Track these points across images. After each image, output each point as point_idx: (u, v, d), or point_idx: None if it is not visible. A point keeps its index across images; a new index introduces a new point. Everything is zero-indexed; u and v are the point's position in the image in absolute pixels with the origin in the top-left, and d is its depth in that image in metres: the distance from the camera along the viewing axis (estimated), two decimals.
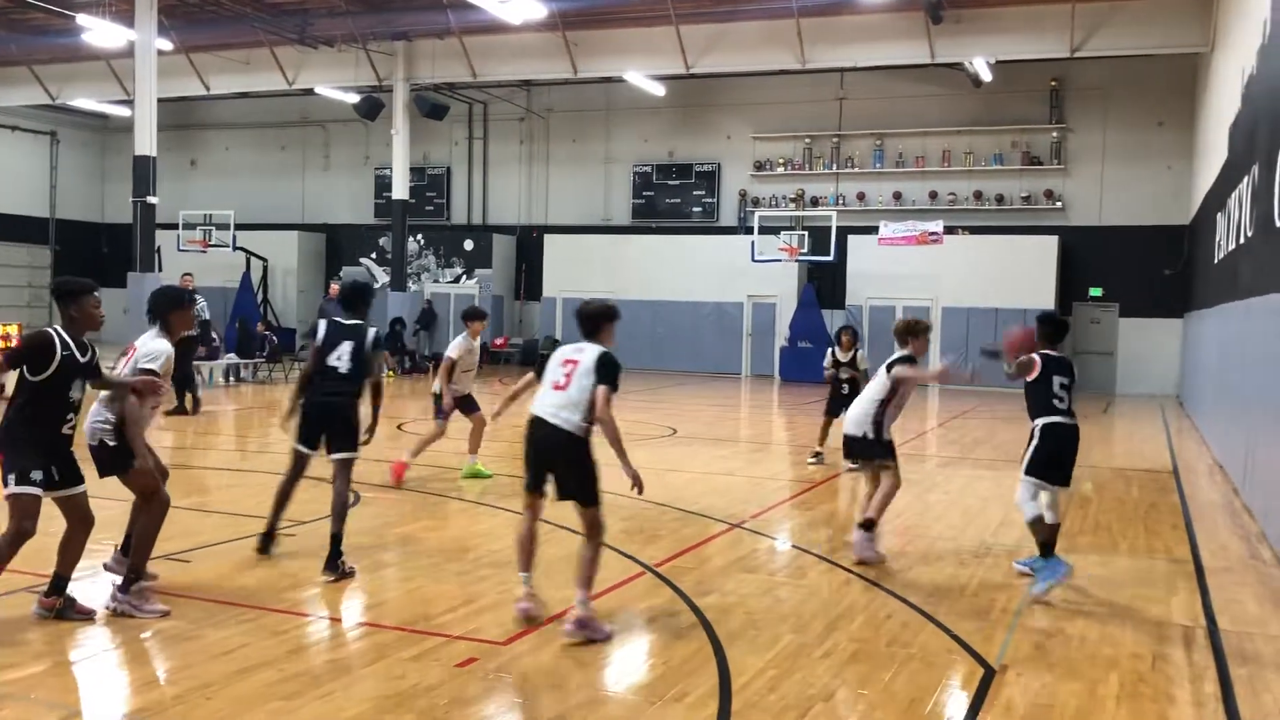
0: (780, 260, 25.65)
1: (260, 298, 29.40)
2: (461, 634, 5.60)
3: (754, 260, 25.36)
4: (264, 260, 29.96)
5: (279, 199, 32.62)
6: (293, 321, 29.91)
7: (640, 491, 5.87)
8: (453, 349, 10.52)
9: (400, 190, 27.06)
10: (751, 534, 8.49)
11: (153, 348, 6.03)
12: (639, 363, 27.71)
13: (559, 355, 6.00)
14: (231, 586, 6.32)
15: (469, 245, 29.86)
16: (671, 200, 29.03)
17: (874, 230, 25.04)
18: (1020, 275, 24.53)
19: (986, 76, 23.81)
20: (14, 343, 16.78)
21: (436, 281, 29.98)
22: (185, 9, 23.37)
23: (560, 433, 5.77)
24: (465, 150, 31.21)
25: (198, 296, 15.99)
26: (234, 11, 23.57)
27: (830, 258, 25.17)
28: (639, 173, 29.34)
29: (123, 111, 29.67)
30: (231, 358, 21.26)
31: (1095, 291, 25.55)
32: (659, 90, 26.46)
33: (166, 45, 22.11)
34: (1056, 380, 6.92)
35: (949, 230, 24.62)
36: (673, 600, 6.40)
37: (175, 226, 27.85)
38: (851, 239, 25.89)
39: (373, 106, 26.58)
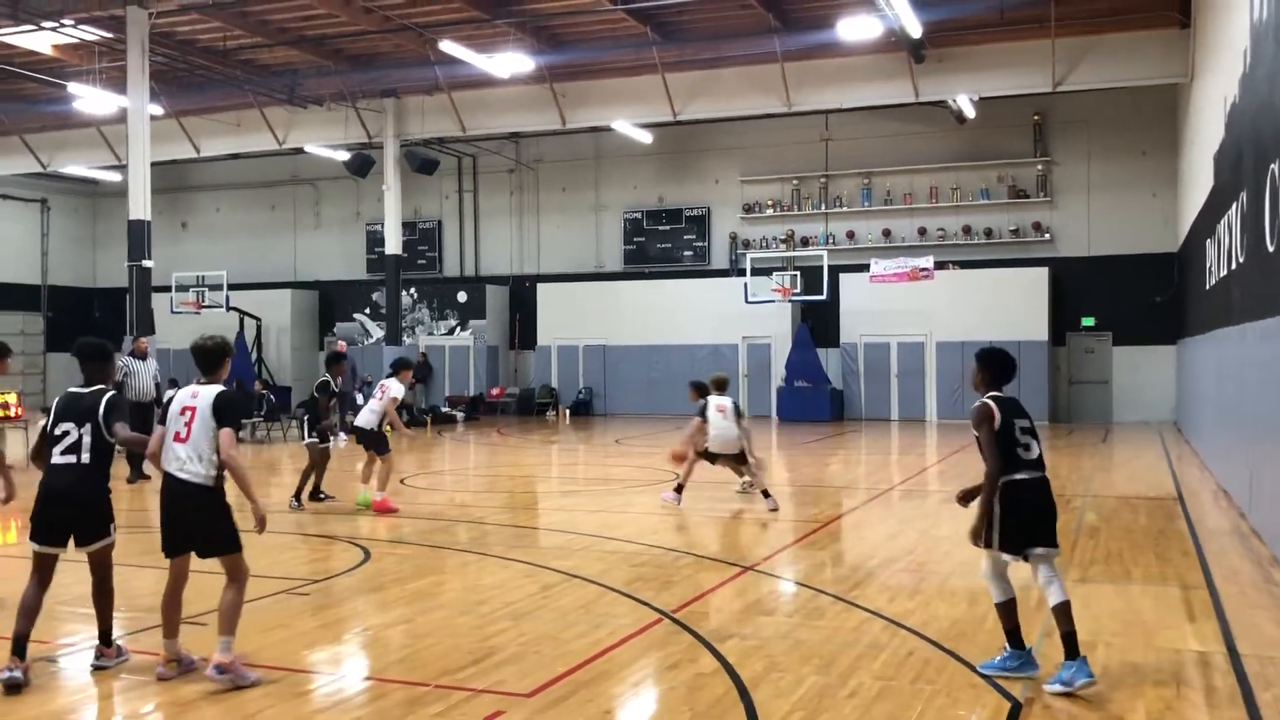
0: (773, 301, 25.80)
1: (255, 357, 29.39)
2: (485, 687, 5.57)
3: (747, 302, 25.50)
4: (257, 320, 30.01)
5: (271, 258, 32.76)
6: (288, 380, 29.90)
7: (261, 531, 5.84)
8: (398, 390, 12.27)
9: (393, 245, 27.19)
10: (765, 576, 8.48)
11: None
12: (636, 408, 27.77)
13: (177, 402, 5.90)
14: (249, 648, 6.28)
15: (462, 297, 29.97)
16: (663, 245, 29.22)
17: (865, 268, 25.24)
18: (1012, 307, 24.71)
19: (970, 113, 24.12)
20: (14, 411, 16.75)
21: (431, 334, 30.04)
22: (175, 74, 23.62)
23: (189, 486, 5.74)
24: (456, 203, 31.41)
25: (152, 361, 15.95)
26: (224, 74, 23.82)
27: (823, 297, 25.33)
28: (629, 219, 29.55)
29: (113, 176, 29.85)
30: None
31: (1088, 321, 25.72)
32: (647, 138, 26.74)
33: (157, 110, 22.32)
34: (1018, 425, 5.72)
35: (939, 265, 24.83)
36: (693, 646, 6.37)
37: (168, 289, 27.90)
38: (843, 277, 26.08)
39: (363, 163, 26.80)
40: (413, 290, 30.06)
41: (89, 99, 22.37)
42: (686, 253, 29.05)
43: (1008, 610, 5.72)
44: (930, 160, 26.75)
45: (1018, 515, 5.60)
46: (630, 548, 9.54)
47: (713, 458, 12.36)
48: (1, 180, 31.42)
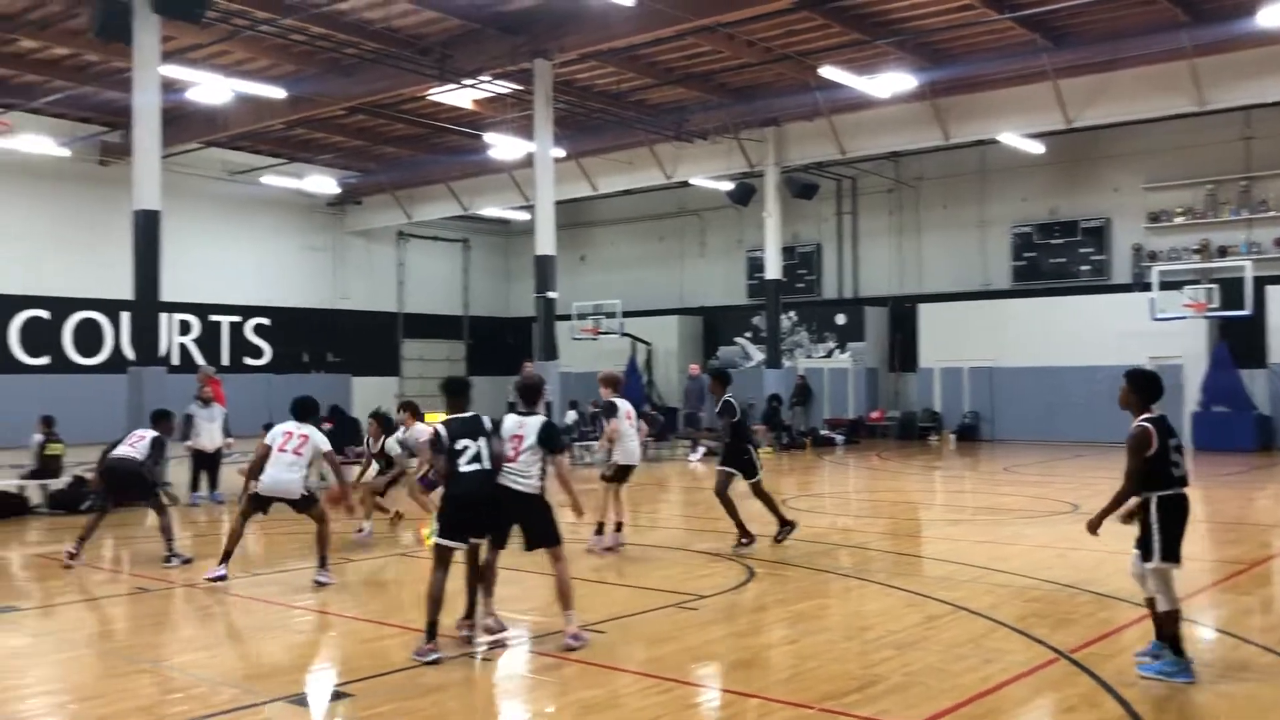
0: (1185, 317, 23.51)
1: (645, 380, 30.93)
2: (870, 715, 5.50)
3: (1155, 319, 23.42)
4: (648, 344, 31.60)
5: (659, 286, 34.40)
6: (675, 401, 31.20)
7: (580, 516, 7.75)
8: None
9: (773, 270, 27.65)
10: None
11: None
12: (1027, 434, 26.30)
13: (507, 429, 7.19)
14: (645, 657, 6.62)
15: (841, 319, 29.89)
16: (1056, 260, 27.57)
17: None
18: None
19: None
20: None
21: (809, 357, 30.19)
22: (575, 118, 25.50)
23: (521, 495, 7.05)
24: (834, 226, 31.44)
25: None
26: (618, 116, 25.40)
27: (1245, 312, 22.76)
28: (1018, 234, 28.18)
29: (522, 216, 32.63)
30: None
31: None
32: (1037, 148, 25.39)
33: (560, 153, 24.14)
34: (1171, 444, 6.17)
35: None
36: (1093, 690, 5.94)
37: (569, 317, 30.06)
38: (1270, 290, 23.32)
39: (745, 192, 27.51)
40: (792, 313, 30.39)
41: (501, 147, 24.65)
42: (1083, 267, 27.20)
43: (1172, 619, 6.14)
44: None
45: (1172, 527, 6.10)
46: (1021, 581, 9.05)
47: (623, 473, 10.89)
48: (432, 224, 35.31)
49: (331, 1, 18.25)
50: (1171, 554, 6.11)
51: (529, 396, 7.52)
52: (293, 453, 9.27)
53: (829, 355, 29.90)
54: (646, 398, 28.46)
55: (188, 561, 10.33)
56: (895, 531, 13.04)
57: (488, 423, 7.14)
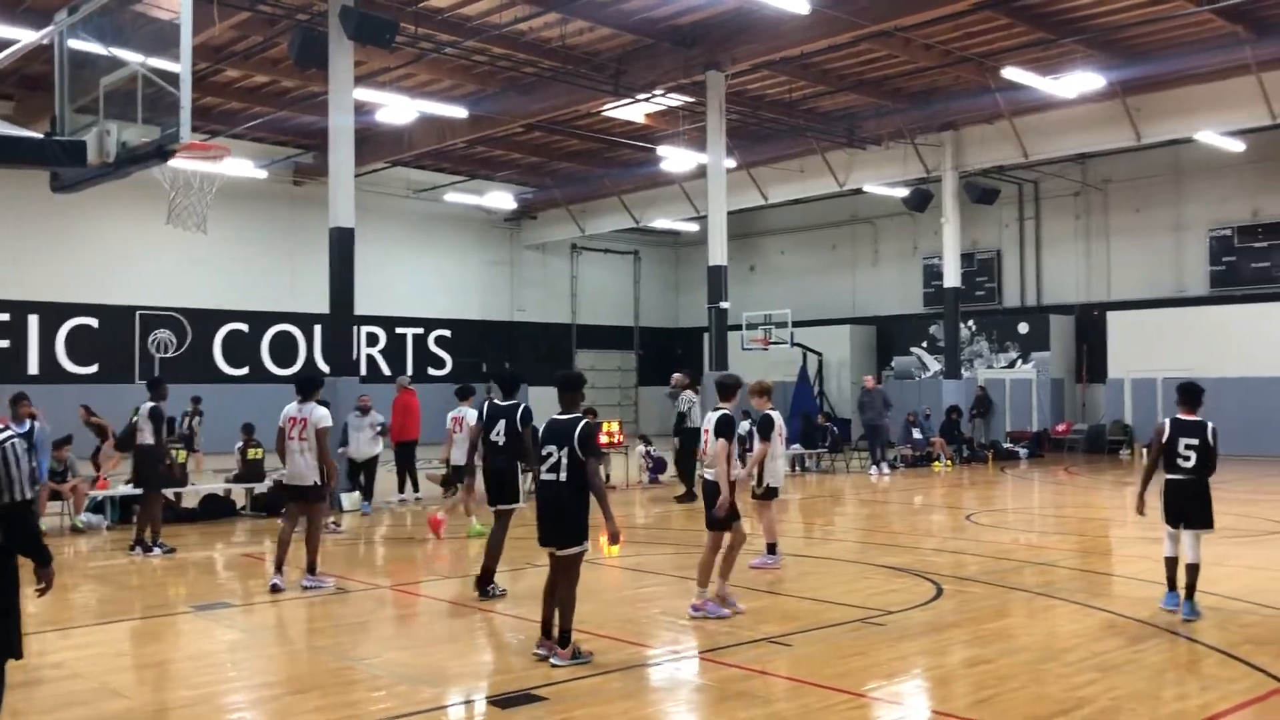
0: None
1: (817, 390, 30.56)
2: None
3: None
4: (819, 354, 31.22)
5: (831, 295, 33.98)
6: (847, 412, 30.70)
7: (722, 512, 8.29)
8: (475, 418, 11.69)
9: (951, 278, 26.93)
10: None
11: None
12: (1231, 448, 24.54)
13: (707, 425, 8.49)
14: (834, 672, 6.51)
15: (1024, 328, 28.86)
16: (1259, 265, 25.92)
17: None
18: None
19: None
20: (616, 439, 18.94)
21: (990, 367, 29.25)
22: (746, 128, 25.47)
23: (711, 484, 8.36)
24: (1016, 231, 30.41)
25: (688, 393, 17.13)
26: (789, 124, 25.24)
27: None
28: (1216, 237, 26.62)
29: (691, 227, 32.84)
30: (796, 448, 22.21)
31: None
32: (1237, 146, 23.94)
33: (731, 164, 24.14)
34: (1182, 442, 7.95)
35: None
36: None
37: (739, 328, 29.98)
38: None
39: (921, 198, 26.92)
40: (971, 322, 29.52)
41: (674, 159, 24.86)
42: None
43: (1169, 565, 8.16)
44: None
45: (1168, 502, 8.04)
46: (1234, 605, 8.51)
47: (772, 493, 10.21)
48: (604, 237, 35.88)
49: (511, 22, 18.77)
50: (1168, 519, 8.03)
51: (724, 394, 8.53)
52: (298, 439, 9.36)
53: (1011, 365, 28.92)
54: (819, 408, 28.10)
55: (155, 551, 11.30)
56: (1087, 549, 12.46)
57: (580, 432, 6.74)
